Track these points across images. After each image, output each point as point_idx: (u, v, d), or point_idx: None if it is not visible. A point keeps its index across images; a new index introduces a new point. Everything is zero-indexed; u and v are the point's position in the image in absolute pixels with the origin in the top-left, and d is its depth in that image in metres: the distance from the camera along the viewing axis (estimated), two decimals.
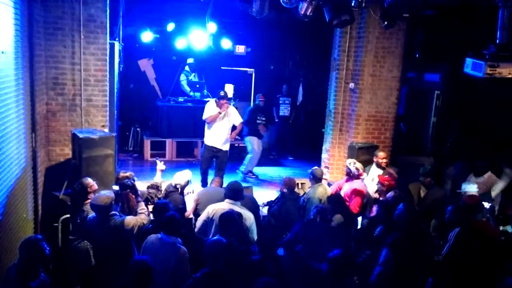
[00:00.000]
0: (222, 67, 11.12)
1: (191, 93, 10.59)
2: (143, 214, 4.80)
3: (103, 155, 5.90)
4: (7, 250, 4.77)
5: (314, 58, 11.32)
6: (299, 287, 4.62)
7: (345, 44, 8.14)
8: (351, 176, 6.40)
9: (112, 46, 7.32)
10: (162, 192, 6.00)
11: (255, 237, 5.25)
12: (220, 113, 7.44)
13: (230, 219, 4.67)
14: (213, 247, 3.92)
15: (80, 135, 5.85)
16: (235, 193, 5.28)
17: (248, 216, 5.19)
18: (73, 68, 6.80)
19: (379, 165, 6.69)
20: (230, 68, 11.03)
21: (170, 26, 10.26)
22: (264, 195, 7.33)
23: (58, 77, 6.78)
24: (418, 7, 7.11)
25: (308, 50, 11.56)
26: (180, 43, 10.63)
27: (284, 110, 10.53)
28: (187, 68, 10.75)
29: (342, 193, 6.36)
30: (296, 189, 6.58)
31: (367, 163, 6.88)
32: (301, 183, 8.16)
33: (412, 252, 4.20)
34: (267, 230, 5.96)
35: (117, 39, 7.90)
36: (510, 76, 5.50)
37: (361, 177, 6.35)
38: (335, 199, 6.11)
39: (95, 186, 5.13)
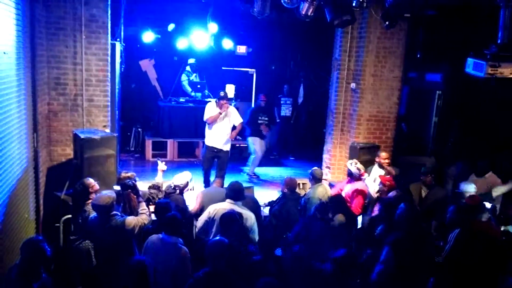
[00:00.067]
0: (223, 68, 11.13)
1: (192, 93, 10.60)
2: (144, 215, 4.81)
3: (104, 155, 5.91)
4: (8, 250, 4.78)
5: (315, 58, 11.32)
6: (300, 287, 4.62)
7: (346, 44, 8.14)
8: (352, 177, 6.40)
9: (113, 46, 7.34)
10: (162, 193, 5.99)
11: (257, 237, 5.25)
12: (220, 113, 7.45)
13: (231, 219, 4.67)
14: (215, 247, 3.92)
15: (82, 135, 5.86)
16: (236, 193, 5.29)
17: (249, 216, 5.19)
18: (74, 68, 6.82)
19: (381, 166, 6.69)
20: (231, 68, 11.05)
21: (171, 27, 10.26)
22: (265, 195, 7.32)
23: (59, 77, 6.79)
24: (419, 7, 7.11)
25: (309, 50, 11.55)
26: (181, 44, 10.63)
27: (286, 110, 10.53)
28: (188, 68, 10.75)
29: (343, 194, 6.36)
30: (297, 189, 6.58)
31: (368, 163, 6.88)
32: (302, 183, 8.16)
33: (413, 252, 4.19)
34: (268, 230, 5.96)
35: (118, 39, 7.92)
36: (511, 76, 5.49)
37: (363, 177, 6.35)
38: (337, 200, 6.11)
39: (97, 186, 5.13)
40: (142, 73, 11.36)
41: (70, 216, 5.68)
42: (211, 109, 7.55)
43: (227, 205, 5.17)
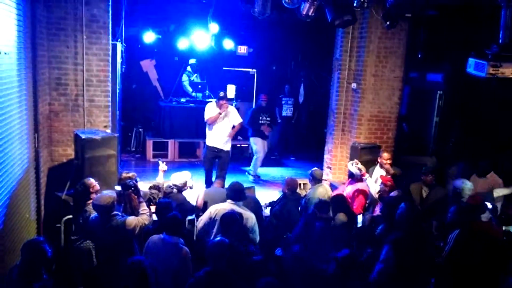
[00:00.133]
0: (224, 68, 11.12)
1: (193, 94, 10.60)
2: (145, 215, 4.81)
3: (105, 156, 5.91)
4: (9, 250, 4.79)
5: (316, 58, 11.31)
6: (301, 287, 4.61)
7: (347, 44, 8.14)
8: (353, 178, 6.39)
9: (114, 47, 7.34)
10: (161, 193, 5.98)
11: (257, 238, 5.26)
12: (220, 113, 7.47)
13: (232, 220, 4.68)
14: (216, 247, 3.93)
15: (83, 136, 5.86)
16: (236, 193, 5.30)
17: (250, 217, 5.19)
18: (75, 68, 6.82)
19: (382, 166, 6.68)
20: (232, 68, 11.04)
21: (172, 27, 10.26)
22: (267, 196, 7.33)
23: (60, 77, 6.80)
24: (420, 7, 7.10)
25: (310, 51, 11.55)
26: (182, 44, 10.64)
27: (287, 111, 10.54)
28: (189, 68, 10.75)
29: (344, 194, 6.36)
30: (298, 190, 6.58)
31: (369, 164, 6.87)
32: (303, 184, 8.16)
33: (414, 252, 4.18)
34: (268, 230, 5.96)
35: (119, 39, 7.92)
36: None
37: (364, 177, 6.35)
38: (338, 199, 6.10)
39: (97, 187, 5.14)
40: (143, 73, 11.36)
41: (71, 216, 5.68)
42: (211, 110, 7.56)
43: (227, 206, 5.17)
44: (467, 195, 5.51)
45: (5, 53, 4.76)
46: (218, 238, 4.18)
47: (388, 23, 6.78)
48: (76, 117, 6.95)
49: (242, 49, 11.11)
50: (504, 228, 5.19)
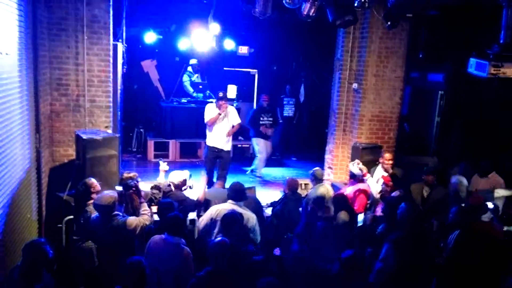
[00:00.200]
0: (225, 68, 11.12)
1: (194, 94, 10.60)
2: (146, 215, 4.81)
3: (106, 156, 5.92)
4: (11, 250, 4.79)
5: (317, 58, 11.31)
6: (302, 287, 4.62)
7: (348, 44, 8.13)
8: (355, 179, 6.38)
9: (115, 47, 7.34)
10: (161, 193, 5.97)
11: (258, 238, 5.26)
12: (220, 114, 7.49)
13: (233, 220, 4.68)
14: (217, 247, 3.93)
15: (84, 136, 5.87)
16: (237, 193, 5.30)
17: (251, 217, 5.19)
18: (76, 69, 6.82)
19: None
20: (233, 69, 11.04)
21: (173, 27, 10.26)
22: (268, 196, 7.33)
23: (62, 77, 6.80)
24: (421, 7, 7.10)
25: (311, 51, 11.54)
26: (183, 44, 10.64)
27: (288, 111, 10.54)
28: (190, 69, 10.76)
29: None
30: (299, 190, 6.59)
31: (371, 164, 6.86)
32: (305, 184, 8.15)
33: (415, 252, 4.18)
34: (270, 230, 5.96)
35: (120, 40, 7.92)
36: None
37: (365, 178, 6.35)
38: (339, 199, 6.10)
39: (99, 187, 5.13)
40: (144, 74, 11.36)
41: (72, 217, 5.68)
42: (210, 111, 7.59)
43: (228, 206, 5.17)
44: (465, 191, 5.53)
45: (6, 54, 4.76)
46: (219, 238, 4.18)
47: (389, 23, 6.78)
48: (78, 118, 6.95)
49: (243, 49, 11.08)
50: (505, 228, 5.18)
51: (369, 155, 7.32)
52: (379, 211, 5.82)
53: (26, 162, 5.55)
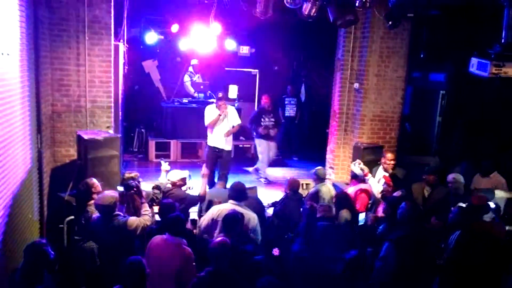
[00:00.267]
0: (226, 68, 11.13)
1: (195, 94, 10.61)
2: (147, 215, 4.81)
3: (108, 156, 5.93)
4: (12, 250, 4.79)
5: (318, 58, 11.29)
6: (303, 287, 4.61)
7: (349, 44, 8.13)
8: (356, 179, 6.38)
9: (116, 48, 7.35)
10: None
11: (259, 238, 5.25)
12: (220, 115, 7.51)
13: (234, 220, 4.68)
14: (218, 247, 3.93)
15: (85, 136, 5.88)
16: (238, 193, 5.29)
17: (252, 217, 5.19)
18: (78, 69, 6.83)
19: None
20: (234, 69, 11.04)
21: (174, 28, 10.26)
22: (269, 196, 7.33)
23: (63, 78, 6.82)
24: (422, 7, 7.09)
25: (313, 51, 11.53)
26: (184, 44, 10.64)
27: (290, 111, 10.52)
28: (191, 69, 10.76)
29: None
30: (300, 190, 6.58)
31: (372, 164, 6.85)
32: (306, 184, 8.15)
33: (416, 252, 4.18)
34: (271, 230, 5.96)
35: (121, 40, 7.92)
36: None
37: (366, 178, 6.34)
38: (341, 197, 6.09)
39: (100, 187, 5.14)
40: (145, 74, 11.36)
41: (73, 217, 5.68)
42: (210, 113, 7.61)
43: (229, 206, 5.17)
44: (462, 188, 5.56)
45: (8, 54, 4.77)
46: (220, 238, 4.18)
47: (390, 23, 6.78)
48: (79, 118, 6.96)
49: (244, 50, 11.08)
50: (507, 228, 5.17)
51: (370, 155, 7.31)
52: (380, 211, 5.81)
53: (27, 163, 5.55)
